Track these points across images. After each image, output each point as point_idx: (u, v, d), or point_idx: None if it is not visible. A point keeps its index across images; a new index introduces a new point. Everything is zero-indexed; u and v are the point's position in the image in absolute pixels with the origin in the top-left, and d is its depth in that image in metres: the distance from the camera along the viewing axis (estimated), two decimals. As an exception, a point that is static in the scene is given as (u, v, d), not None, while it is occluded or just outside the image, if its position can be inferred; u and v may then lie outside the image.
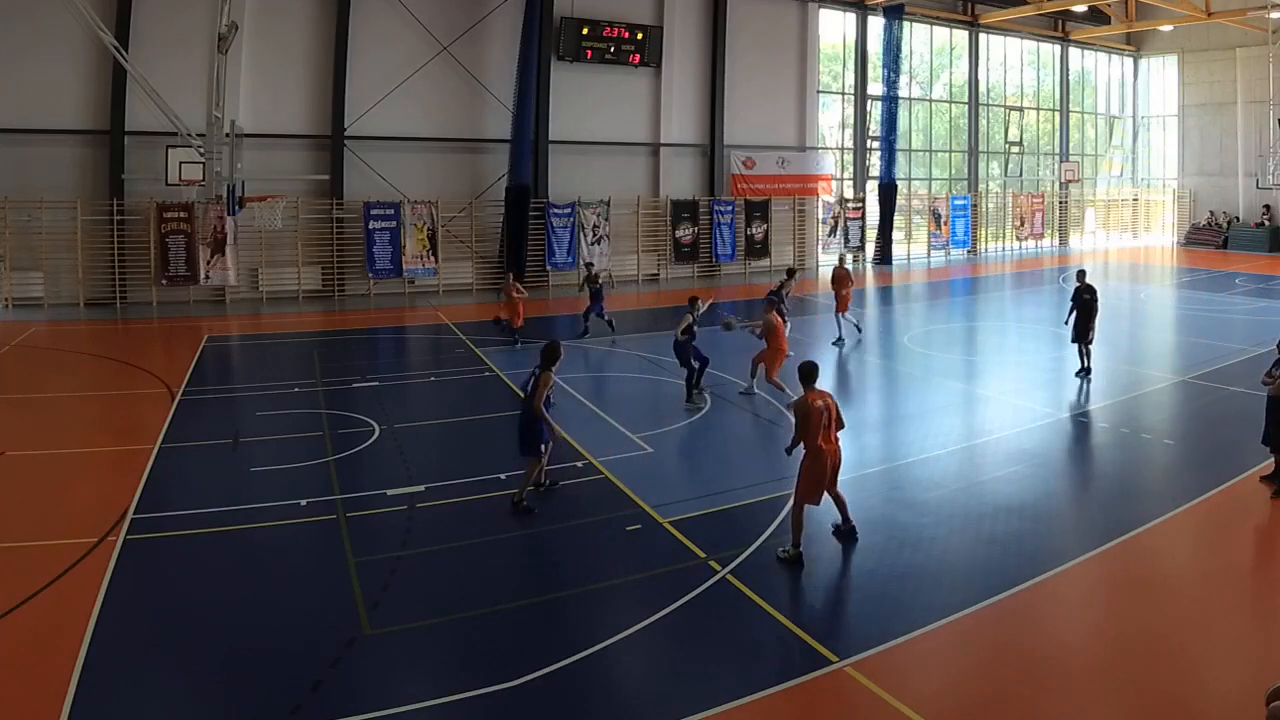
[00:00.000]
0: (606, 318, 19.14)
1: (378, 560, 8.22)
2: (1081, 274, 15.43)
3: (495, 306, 20.93)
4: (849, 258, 23.92)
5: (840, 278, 19.04)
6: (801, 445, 8.38)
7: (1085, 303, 14.98)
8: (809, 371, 8.61)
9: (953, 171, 37.86)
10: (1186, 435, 12.41)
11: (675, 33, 28.81)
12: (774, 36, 31.15)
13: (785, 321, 14.90)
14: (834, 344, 18.39)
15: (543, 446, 9.57)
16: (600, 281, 19.22)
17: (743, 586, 7.67)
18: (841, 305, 18.93)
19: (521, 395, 9.84)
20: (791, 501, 8.44)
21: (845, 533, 8.70)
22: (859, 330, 19.48)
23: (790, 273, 18.76)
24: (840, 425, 8.49)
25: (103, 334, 19.71)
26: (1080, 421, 12.95)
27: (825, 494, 8.45)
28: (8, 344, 17.68)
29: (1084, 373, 15.05)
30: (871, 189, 33.73)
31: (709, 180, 30.02)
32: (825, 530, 8.90)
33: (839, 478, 8.59)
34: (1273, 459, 9.97)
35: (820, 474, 8.30)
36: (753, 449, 12.02)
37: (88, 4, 15.11)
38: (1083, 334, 14.98)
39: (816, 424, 8.25)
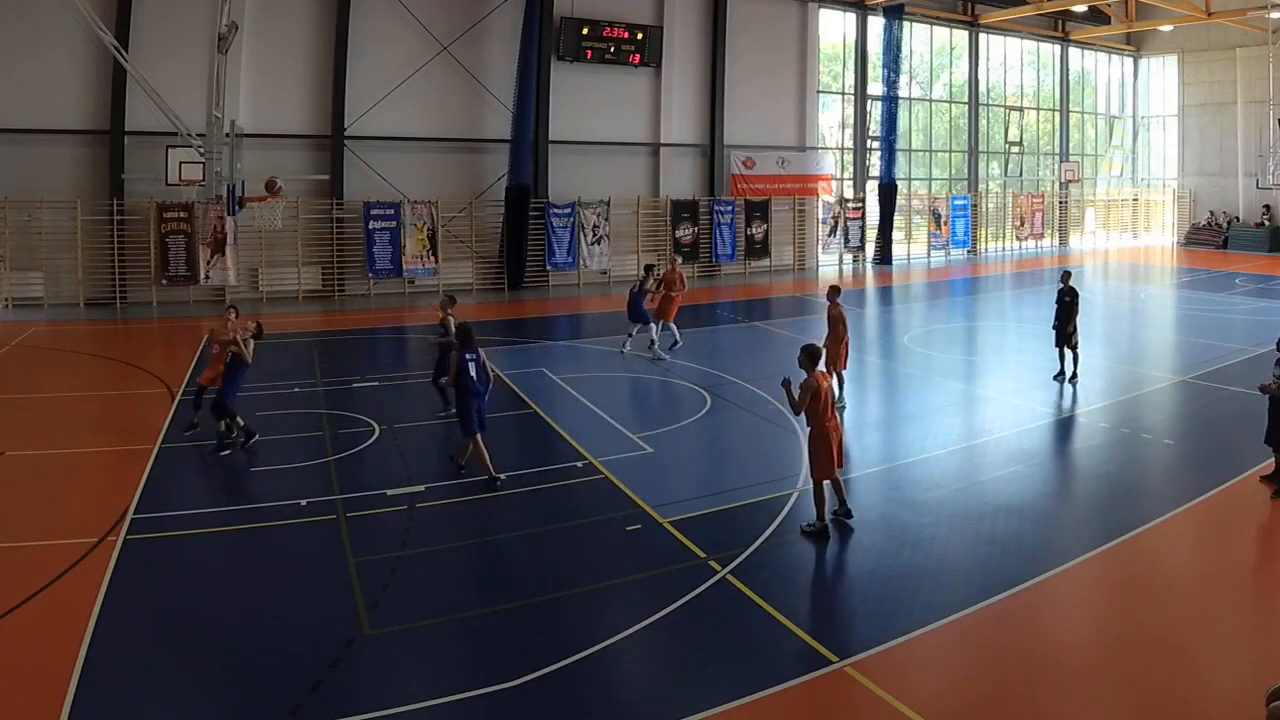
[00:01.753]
0: (234, 426, 11.44)
1: (378, 560, 8.22)
2: (1065, 275, 15.37)
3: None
4: (679, 259, 20.48)
5: (671, 281, 17.20)
6: (809, 425, 8.85)
7: (1065, 305, 14.85)
8: (816, 354, 8.99)
9: (953, 171, 37.86)
10: (1186, 435, 12.40)
11: (675, 33, 28.81)
12: (774, 36, 31.15)
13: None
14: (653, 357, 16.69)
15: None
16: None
17: (743, 586, 7.67)
18: (667, 311, 17.10)
19: (463, 377, 10.18)
20: (810, 481, 8.97)
21: (842, 515, 8.90)
22: (661, 352, 16.82)
23: (648, 269, 17.77)
24: (836, 404, 9.18)
25: (103, 334, 19.71)
26: (1080, 421, 12.95)
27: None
28: (8, 344, 17.68)
29: (1060, 376, 14.87)
30: (871, 189, 33.73)
31: (709, 180, 30.02)
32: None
33: (843, 457, 9.06)
34: (1274, 459, 9.97)
35: (828, 448, 8.74)
36: (752, 449, 12.00)
37: (87, 3, 15.09)
38: (1061, 337, 14.84)
39: (825, 403, 8.69)
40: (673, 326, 17.38)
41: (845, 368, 13.58)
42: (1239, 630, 7.15)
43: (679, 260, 19.76)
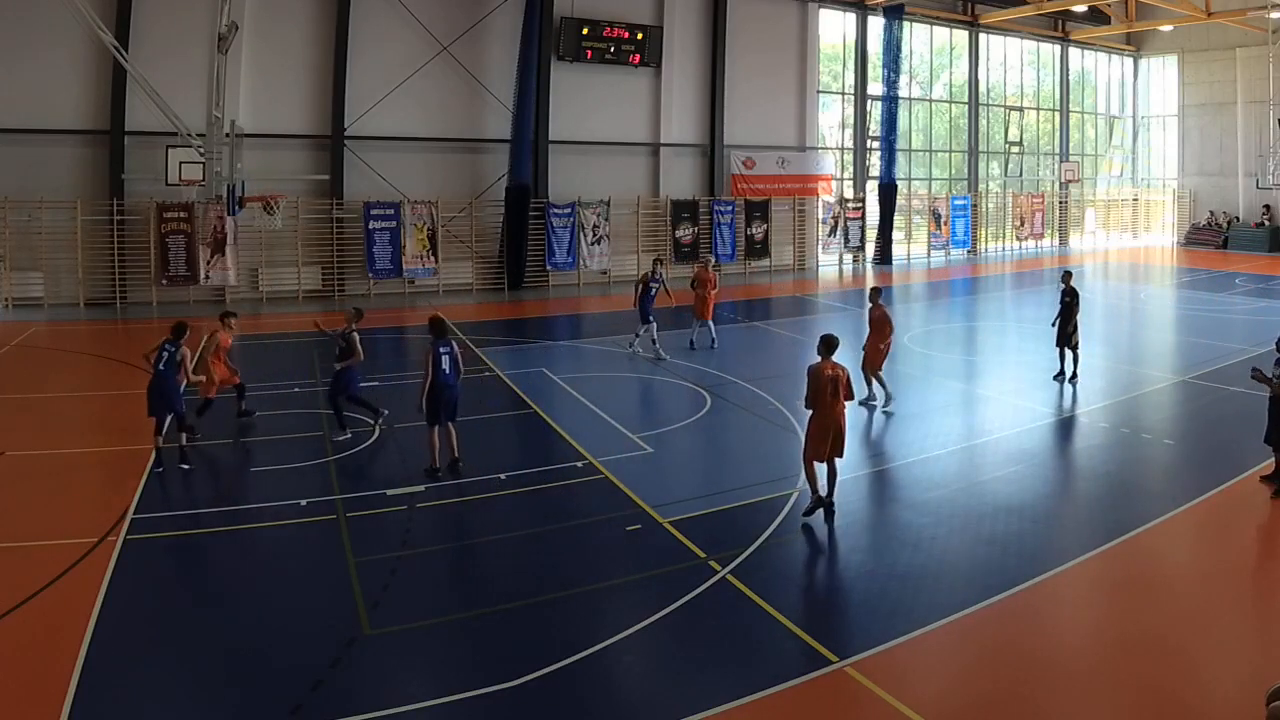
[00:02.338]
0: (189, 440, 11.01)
1: (378, 560, 8.22)
2: (1066, 275, 15.39)
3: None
4: (713, 259, 21.24)
5: (705, 280, 17.73)
6: (811, 409, 9.15)
7: (1065, 305, 14.87)
8: (829, 343, 9.28)
9: (953, 171, 37.86)
10: (1186, 435, 12.41)
11: (675, 33, 28.81)
12: (774, 36, 31.15)
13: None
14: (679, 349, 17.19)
15: None
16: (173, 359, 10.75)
17: (743, 586, 7.67)
18: (702, 309, 17.55)
19: (437, 370, 10.33)
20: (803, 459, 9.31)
21: (825, 503, 9.08)
22: (712, 344, 17.63)
23: (657, 262, 18.03)
24: (849, 396, 9.21)
25: (103, 334, 19.70)
26: (1080, 421, 12.95)
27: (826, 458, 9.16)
28: (8, 344, 17.67)
29: (1060, 377, 14.87)
30: (871, 189, 33.73)
31: (709, 180, 30.02)
32: (825, 530, 8.92)
33: (842, 446, 9.17)
34: (1274, 459, 9.97)
35: (822, 434, 9.01)
36: (752, 449, 12.00)
37: (87, 3, 15.10)
38: (1061, 337, 14.84)
39: (821, 390, 8.99)
40: (710, 324, 17.71)
41: (879, 369, 13.52)
42: (1239, 630, 7.15)
43: (713, 261, 20.20)
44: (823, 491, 9.11)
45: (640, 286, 17.14)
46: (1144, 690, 6.28)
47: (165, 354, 10.64)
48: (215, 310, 22.15)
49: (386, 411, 12.33)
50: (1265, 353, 13.83)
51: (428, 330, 10.66)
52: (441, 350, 10.31)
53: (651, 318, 16.97)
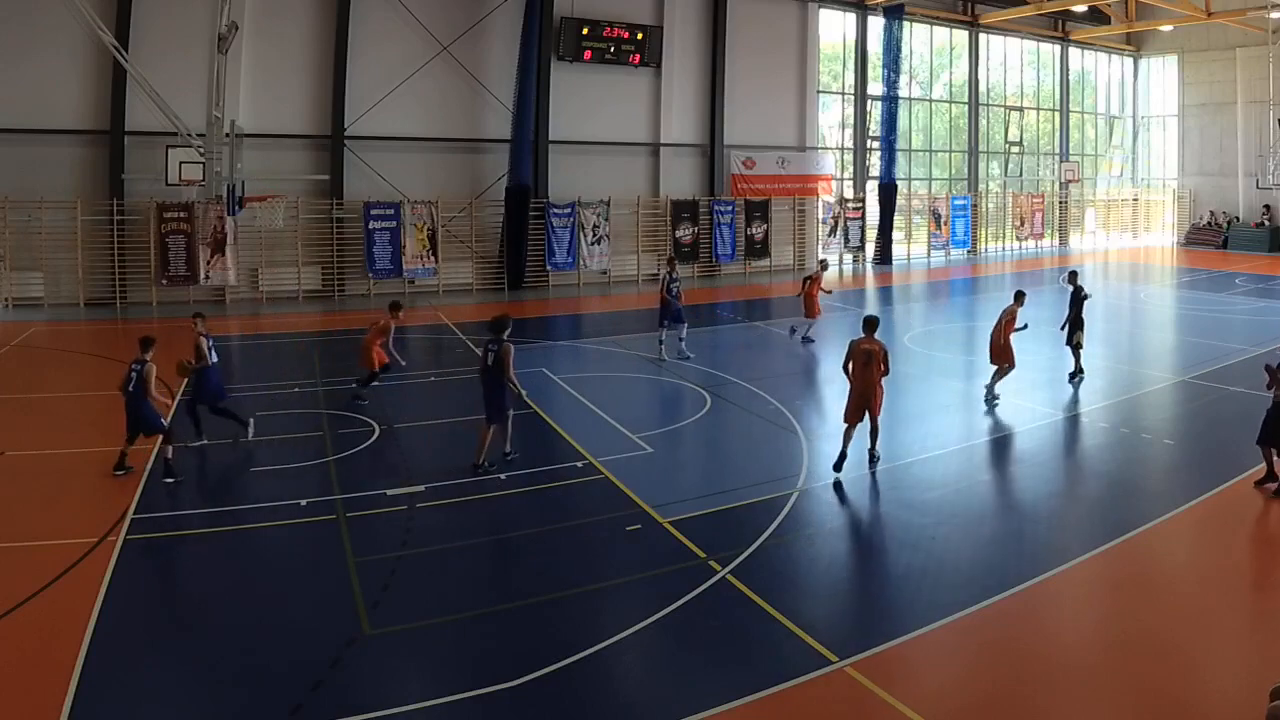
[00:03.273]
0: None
1: (378, 560, 8.22)
2: (1073, 275, 15.39)
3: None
4: (827, 260, 22.57)
5: (816, 280, 18.66)
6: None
7: (1077, 303, 14.91)
8: (868, 321, 10.70)
9: (953, 171, 37.85)
10: (1186, 435, 12.41)
11: (675, 33, 28.81)
12: (774, 36, 31.15)
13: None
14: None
15: (510, 412, 10.75)
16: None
17: (743, 586, 7.67)
18: (813, 306, 18.55)
19: (482, 366, 10.69)
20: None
21: (870, 458, 10.51)
22: (802, 337, 18.65)
23: (670, 261, 18.10)
24: (885, 370, 10.40)
25: (103, 334, 19.69)
26: (1080, 421, 12.95)
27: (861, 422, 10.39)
28: (8, 344, 17.67)
29: (1074, 376, 14.89)
30: (871, 189, 33.73)
31: (709, 180, 30.02)
32: (826, 529, 8.93)
33: (877, 409, 10.43)
34: (1264, 462, 9.96)
35: (856, 399, 10.34)
36: (752, 449, 12.00)
37: (87, 3, 15.10)
38: (1070, 335, 14.87)
39: (855, 360, 10.36)
40: (814, 322, 18.65)
41: (1006, 363, 13.64)
42: (1239, 630, 7.15)
43: (827, 262, 21.43)
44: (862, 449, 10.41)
45: (664, 288, 16.82)
46: (1144, 690, 6.28)
47: (132, 374, 10.44)
48: (216, 310, 22.28)
49: (251, 421, 11.86)
50: (1265, 352, 13.85)
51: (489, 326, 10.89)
52: (491, 348, 10.58)
53: (667, 320, 16.68)
